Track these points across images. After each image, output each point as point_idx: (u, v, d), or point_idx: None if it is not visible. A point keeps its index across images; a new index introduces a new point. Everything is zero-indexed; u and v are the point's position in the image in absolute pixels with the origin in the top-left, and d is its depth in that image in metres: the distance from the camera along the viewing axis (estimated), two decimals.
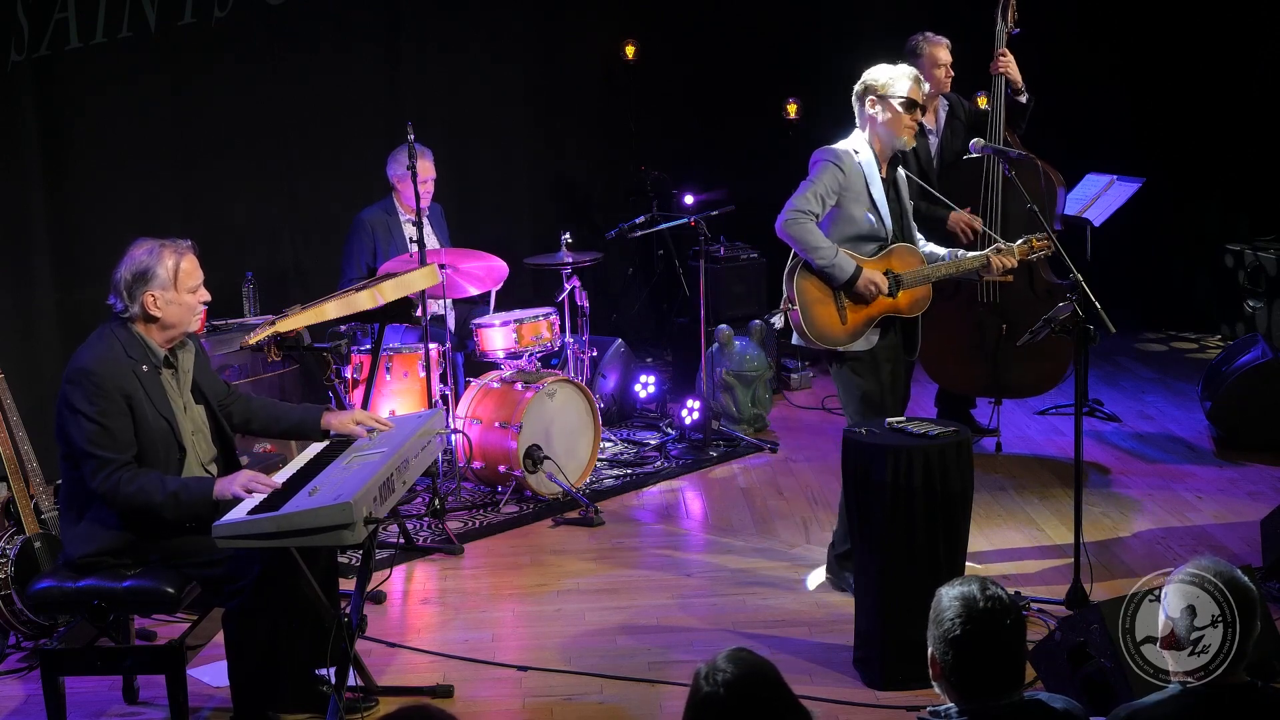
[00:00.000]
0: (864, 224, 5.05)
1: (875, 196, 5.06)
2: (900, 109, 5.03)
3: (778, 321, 5.20)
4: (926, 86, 5.19)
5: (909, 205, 5.22)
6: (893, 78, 5.05)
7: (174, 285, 4.11)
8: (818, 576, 5.36)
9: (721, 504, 6.35)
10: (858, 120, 5.14)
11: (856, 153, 5.06)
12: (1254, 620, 2.83)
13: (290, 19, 7.27)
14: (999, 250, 5.14)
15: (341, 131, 7.56)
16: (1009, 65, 6.49)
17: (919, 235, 5.26)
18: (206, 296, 4.22)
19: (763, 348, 7.46)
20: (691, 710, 2.54)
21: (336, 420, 4.42)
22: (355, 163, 7.51)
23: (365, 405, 5.35)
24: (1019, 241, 5.19)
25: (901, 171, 5.21)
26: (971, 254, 5.22)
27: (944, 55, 6.48)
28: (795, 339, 5.16)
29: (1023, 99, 6.52)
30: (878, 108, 5.05)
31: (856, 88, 5.11)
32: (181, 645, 4.12)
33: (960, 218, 6.31)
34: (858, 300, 5.02)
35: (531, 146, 8.72)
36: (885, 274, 5.06)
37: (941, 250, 5.25)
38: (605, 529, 6.04)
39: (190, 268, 4.15)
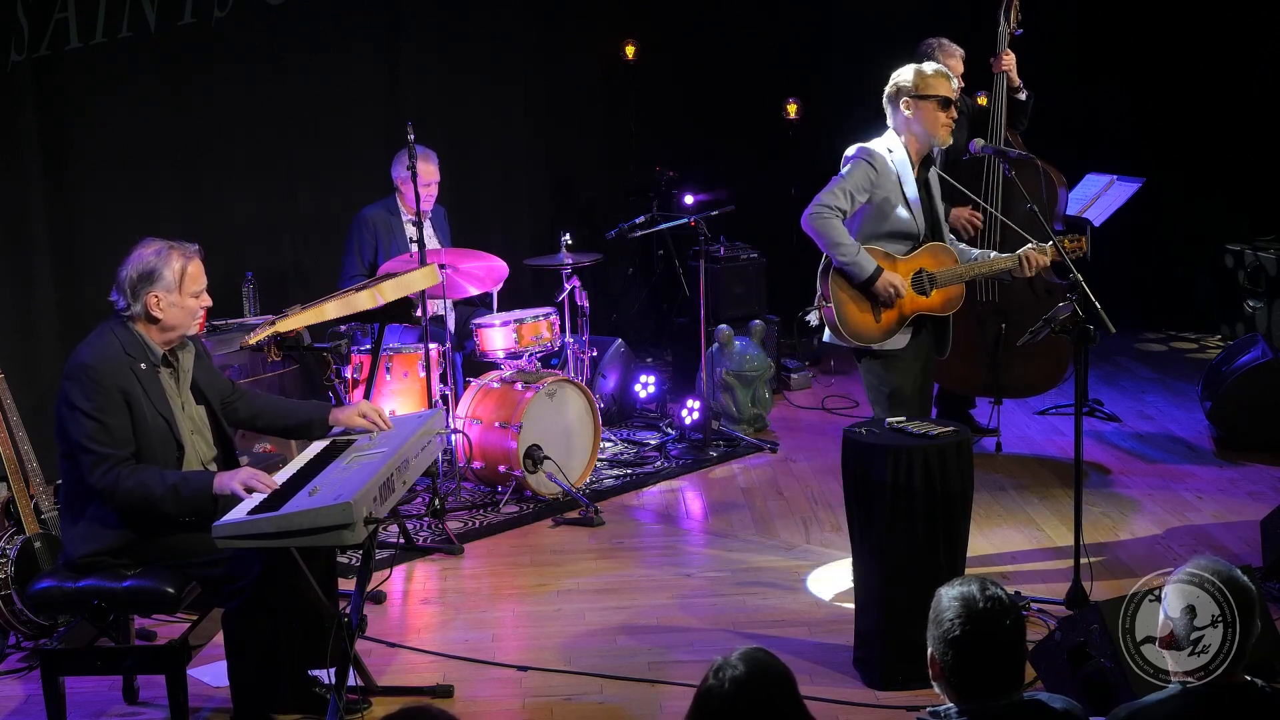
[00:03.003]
0: (897, 221, 5.04)
1: (909, 195, 5.05)
2: (937, 108, 5.03)
3: (813, 319, 5.18)
4: (956, 84, 5.21)
5: (941, 206, 5.22)
6: (926, 78, 5.04)
7: (178, 288, 4.12)
8: (818, 577, 5.36)
9: (721, 504, 6.35)
10: (891, 122, 5.12)
11: (890, 151, 5.06)
12: (1254, 620, 2.83)
13: (290, 19, 7.27)
14: (1031, 249, 5.13)
15: (341, 131, 7.56)
16: (1011, 64, 6.50)
17: (950, 235, 5.27)
18: (208, 302, 4.23)
19: (763, 348, 7.46)
20: (695, 702, 2.53)
21: (344, 416, 4.45)
22: (355, 163, 7.51)
23: None
24: (1050, 242, 5.17)
25: (934, 172, 5.21)
26: (1004, 254, 5.21)
27: (956, 66, 6.47)
28: (828, 336, 5.14)
29: (1021, 96, 6.55)
30: (912, 109, 5.04)
31: (888, 90, 5.10)
32: (181, 645, 4.12)
33: (961, 213, 6.32)
34: (879, 300, 5.01)
35: (531, 146, 8.72)
36: (918, 272, 5.05)
37: (975, 250, 5.27)
38: (605, 529, 6.04)
39: (196, 272, 4.16)
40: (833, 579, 5.34)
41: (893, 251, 5.06)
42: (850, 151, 5.10)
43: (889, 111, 5.13)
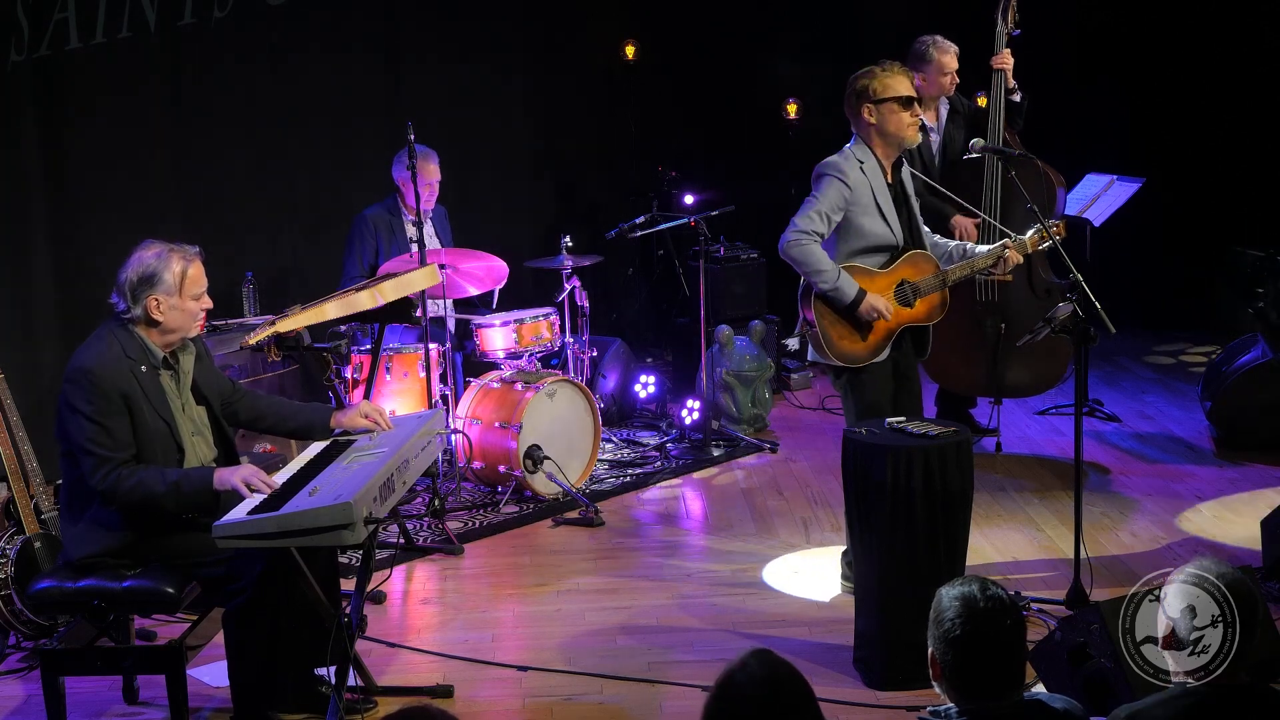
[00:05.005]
0: (873, 235, 4.94)
1: (883, 205, 4.94)
2: (899, 109, 4.92)
3: (793, 344, 5.12)
4: (917, 79, 5.11)
5: (915, 206, 5.13)
6: (884, 80, 4.92)
7: (179, 291, 4.11)
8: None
9: (721, 504, 6.35)
10: (855, 128, 5.01)
11: (861, 162, 4.94)
12: (1254, 620, 2.83)
13: (290, 19, 7.27)
14: (1008, 246, 5.07)
15: (341, 131, 7.56)
16: (1008, 62, 6.50)
17: (925, 229, 5.19)
18: (209, 304, 4.22)
19: (763, 348, 7.46)
20: (721, 702, 2.49)
21: (345, 419, 4.44)
22: (355, 162, 7.51)
23: None
24: (1030, 233, 5.14)
25: (906, 171, 5.13)
26: (983, 249, 5.12)
27: (951, 62, 6.47)
28: (812, 356, 5.06)
29: (1016, 97, 6.55)
30: (874, 114, 4.92)
31: (849, 98, 4.98)
32: (181, 645, 4.12)
33: (962, 222, 6.31)
34: (863, 322, 4.93)
35: (531, 146, 8.72)
36: (900, 284, 4.98)
37: (951, 242, 5.20)
38: (605, 529, 6.04)
39: (196, 274, 4.15)
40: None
41: (872, 265, 4.97)
42: (819, 169, 4.97)
43: (852, 119, 5.01)
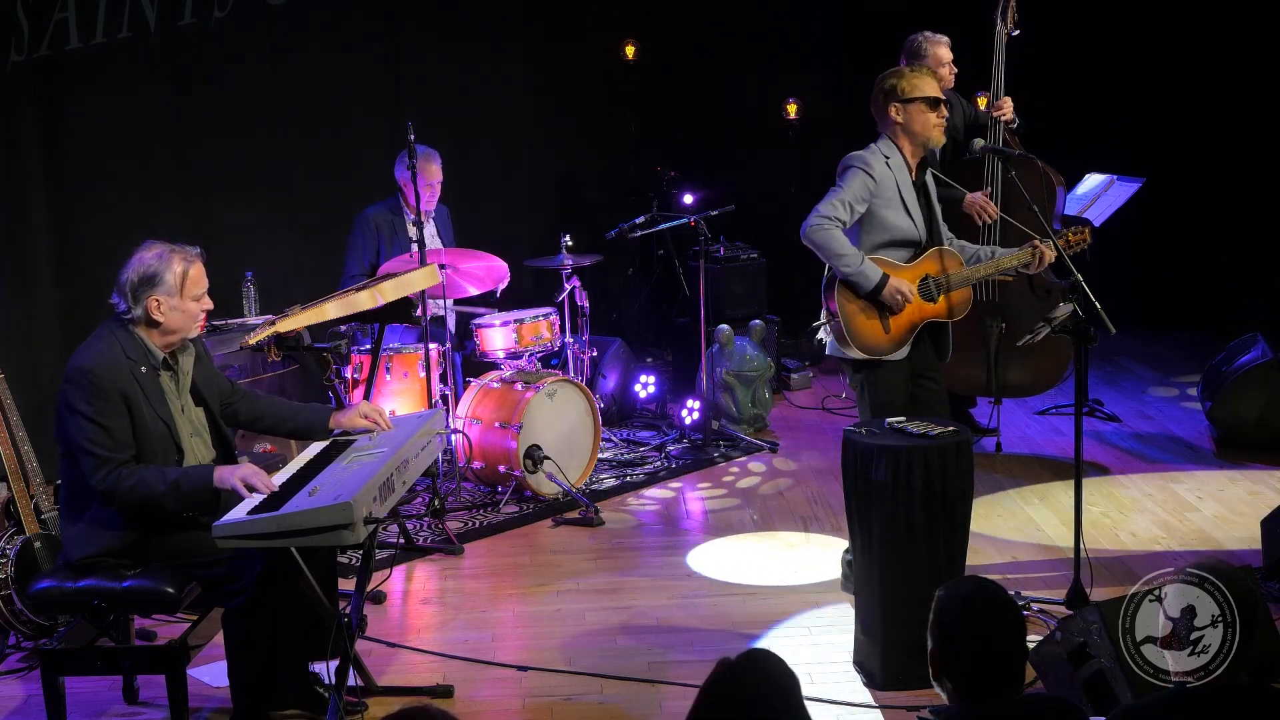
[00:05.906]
0: (897, 229, 4.96)
1: (908, 201, 4.97)
2: (926, 109, 4.96)
3: (823, 335, 5.12)
4: (945, 74, 5.14)
5: (938, 207, 5.15)
6: (912, 80, 4.98)
7: (179, 292, 4.11)
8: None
9: (721, 504, 6.35)
10: (881, 128, 5.04)
11: (887, 158, 4.97)
12: (1254, 620, 2.83)
13: (290, 19, 7.27)
14: (1035, 247, 5.08)
15: (342, 131, 7.56)
16: (1009, 109, 6.50)
17: (949, 234, 5.21)
18: (209, 305, 4.22)
19: (763, 348, 7.46)
20: (700, 702, 2.51)
21: (345, 419, 4.45)
22: (355, 163, 7.51)
23: None
24: (1048, 242, 5.15)
25: (930, 173, 5.15)
26: (1010, 252, 5.14)
27: (946, 54, 6.48)
28: (831, 349, 5.05)
29: (1014, 126, 6.56)
30: (901, 114, 4.96)
31: (876, 97, 5.02)
32: (182, 645, 4.12)
33: (976, 200, 6.29)
34: (887, 309, 4.94)
35: (532, 146, 8.72)
36: (924, 279, 4.99)
37: (977, 246, 5.21)
38: (605, 529, 6.04)
39: (197, 275, 4.15)
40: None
41: (896, 260, 4.98)
42: (846, 160, 5.00)
43: (878, 119, 5.05)
